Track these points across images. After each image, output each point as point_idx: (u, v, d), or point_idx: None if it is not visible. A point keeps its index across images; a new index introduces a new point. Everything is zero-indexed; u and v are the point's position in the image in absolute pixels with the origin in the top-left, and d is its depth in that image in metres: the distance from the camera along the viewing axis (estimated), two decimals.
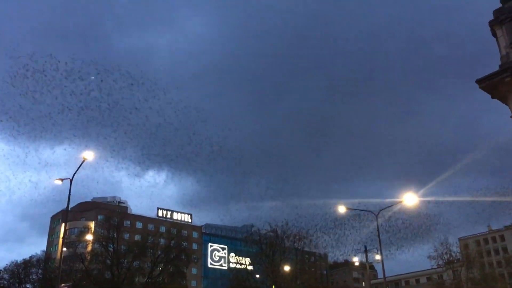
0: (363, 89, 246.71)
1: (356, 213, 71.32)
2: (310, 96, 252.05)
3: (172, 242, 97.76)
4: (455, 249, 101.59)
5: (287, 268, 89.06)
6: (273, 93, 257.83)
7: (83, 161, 37.88)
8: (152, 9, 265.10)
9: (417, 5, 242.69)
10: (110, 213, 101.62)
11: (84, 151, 38.72)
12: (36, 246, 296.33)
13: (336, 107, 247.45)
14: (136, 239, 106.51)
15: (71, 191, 38.08)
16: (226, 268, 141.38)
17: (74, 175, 38.68)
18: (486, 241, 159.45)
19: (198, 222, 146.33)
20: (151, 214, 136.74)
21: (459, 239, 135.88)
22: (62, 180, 39.50)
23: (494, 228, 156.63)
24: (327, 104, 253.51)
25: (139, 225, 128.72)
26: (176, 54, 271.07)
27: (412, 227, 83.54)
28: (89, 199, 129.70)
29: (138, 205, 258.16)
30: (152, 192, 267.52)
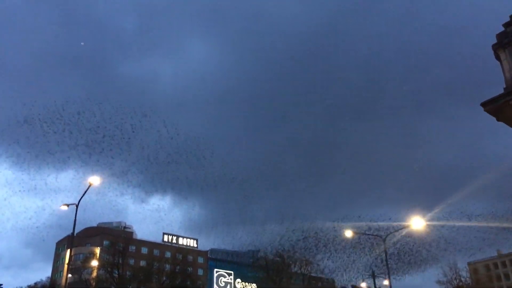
0: (365, 112, 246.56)
1: (363, 237, 70.75)
2: (312, 120, 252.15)
3: (178, 267, 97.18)
4: (465, 274, 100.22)
5: None
6: (276, 118, 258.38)
7: (89, 186, 37.95)
8: (156, 37, 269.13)
9: (417, 28, 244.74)
10: (116, 238, 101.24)
11: (90, 176, 38.77)
12: (40, 272, 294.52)
13: (339, 131, 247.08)
14: (141, 264, 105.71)
15: (80, 215, 38.08)
16: None
17: (80, 200, 38.76)
18: (496, 265, 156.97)
19: (204, 247, 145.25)
20: (157, 239, 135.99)
21: (468, 263, 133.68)
22: (68, 205, 39.51)
23: (503, 252, 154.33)
24: (329, 128, 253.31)
25: (144, 250, 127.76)
26: (179, 81, 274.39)
27: (420, 251, 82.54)
28: (93, 225, 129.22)
29: (144, 230, 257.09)
30: (157, 217, 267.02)
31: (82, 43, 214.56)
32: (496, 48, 23.62)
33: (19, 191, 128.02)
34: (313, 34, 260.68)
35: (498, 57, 23.85)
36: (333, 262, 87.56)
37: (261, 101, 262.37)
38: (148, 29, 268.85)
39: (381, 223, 68.53)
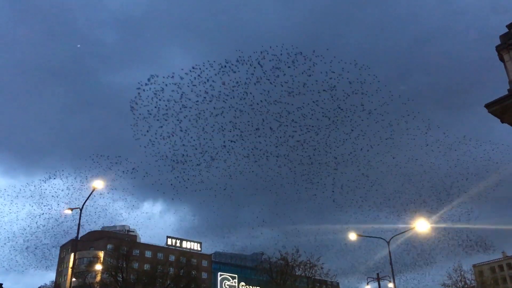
0: (351, 117, 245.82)
1: (367, 239, 70.56)
2: (300, 125, 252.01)
3: (182, 271, 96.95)
4: (470, 276, 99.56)
5: None
6: (263, 124, 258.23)
7: (93, 190, 37.95)
8: (139, 48, 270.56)
9: (398, 35, 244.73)
10: (119, 242, 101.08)
11: (94, 181, 38.69)
12: (40, 277, 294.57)
13: (325, 136, 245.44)
14: (145, 268, 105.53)
15: (73, 221, 38.09)
16: None
17: (84, 204, 38.76)
18: (501, 267, 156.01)
19: (207, 250, 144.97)
20: (161, 242, 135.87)
21: (473, 266, 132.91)
22: (72, 209, 39.51)
23: (508, 254, 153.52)
24: (317, 132, 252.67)
25: (148, 254, 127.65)
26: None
27: (424, 254, 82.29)
28: (97, 229, 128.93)
29: (148, 233, 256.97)
30: (159, 221, 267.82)
31: (79, 45, 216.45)
32: (500, 49, 23.48)
33: (14, 197, 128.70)
34: (295, 42, 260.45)
35: (501, 58, 23.71)
36: (337, 264, 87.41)
37: (247, 107, 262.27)
38: (128, 41, 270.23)
39: (385, 225, 68.41)
